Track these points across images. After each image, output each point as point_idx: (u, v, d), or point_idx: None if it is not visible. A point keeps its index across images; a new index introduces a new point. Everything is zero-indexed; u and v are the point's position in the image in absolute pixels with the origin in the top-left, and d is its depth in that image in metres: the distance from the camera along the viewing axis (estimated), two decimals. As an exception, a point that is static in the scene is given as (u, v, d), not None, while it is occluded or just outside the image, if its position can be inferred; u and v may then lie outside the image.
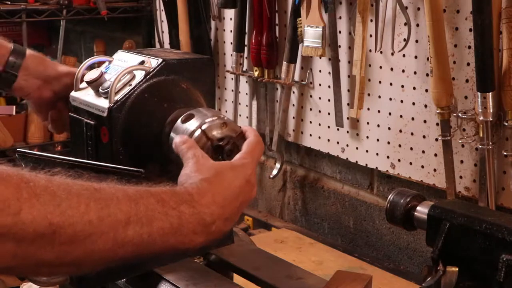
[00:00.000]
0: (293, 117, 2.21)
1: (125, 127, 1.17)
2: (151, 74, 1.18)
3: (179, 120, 1.12)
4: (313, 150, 2.21)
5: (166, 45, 2.66)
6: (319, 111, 2.11)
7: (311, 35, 1.98)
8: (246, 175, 1.00)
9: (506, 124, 1.57)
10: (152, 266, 1.21)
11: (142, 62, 1.22)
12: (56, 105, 1.39)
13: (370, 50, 1.89)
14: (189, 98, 1.22)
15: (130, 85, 1.18)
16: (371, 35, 1.87)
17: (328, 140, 2.10)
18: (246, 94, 2.36)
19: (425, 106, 1.78)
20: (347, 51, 1.98)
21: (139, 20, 2.97)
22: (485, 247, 0.94)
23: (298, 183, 2.31)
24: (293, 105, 2.20)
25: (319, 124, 2.12)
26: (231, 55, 2.32)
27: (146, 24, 2.93)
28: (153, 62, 1.20)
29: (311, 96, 2.14)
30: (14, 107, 3.01)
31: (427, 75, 1.74)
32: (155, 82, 1.19)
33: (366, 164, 1.99)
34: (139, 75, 1.19)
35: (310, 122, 2.16)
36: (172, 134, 1.13)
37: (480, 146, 1.61)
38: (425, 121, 1.79)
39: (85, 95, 1.23)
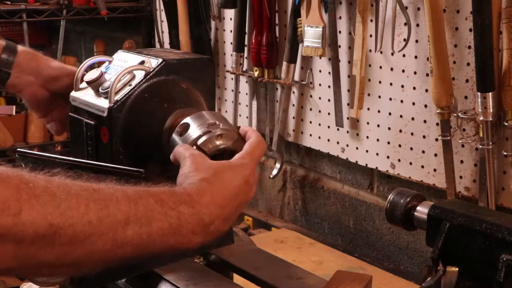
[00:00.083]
0: (293, 117, 2.21)
1: (125, 127, 1.17)
2: (151, 74, 1.18)
3: (175, 132, 1.12)
4: (313, 150, 2.21)
5: (166, 45, 2.66)
6: (319, 111, 2.11)
7: (311, 35, 1.98)
8: (244, 175, 1.00)
9: (506, 124, 1.57)
10: (152, 266, 1.21)
11: (142, 62, 1.22)
12: (54, 103, 1.38)
13: (370, 50, 1.89)
14: (189, 98, 1.22)
15: (130, 85, 1.18)
16: (371, 35, 1.87)
17: (328, 140, 2.10)
18: (246, 94, 2.36)
19: (425, 106, 1.78)
20: (347, 51, 1.98)
21: (139, 20, 2.97)
22: (485, 247, 0.94)
23: (298, 183, 2.31)
24: (293, 105, 2.20)
25: (319, 124, 2.12)
26: (231, 55, 2.32)
27: (146, 24, 2.93)
28: (153, 62, 1.20)
29: (311, 96, 2.14)
30: (14, 107, 3.01)
31: (427, 75, 1.74)
32: (155, 82, 1.19)
33: (366, 164, 1.99)
34: (139, 75, 1.19)
35: (310, 122, 2.16)
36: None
37: (480, 146, 1.61)
38: (425, 121, 1.79)
39: (85, 95, 1.23)
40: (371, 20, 1.85)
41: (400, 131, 1.86)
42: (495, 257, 0.91)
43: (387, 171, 1.93)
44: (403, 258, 1.96)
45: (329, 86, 2.05)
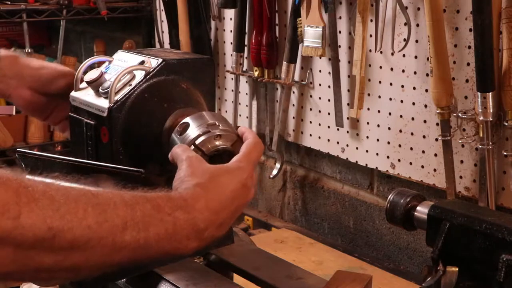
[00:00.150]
0: (293, 117, 2.21)
1: (125, 127, 1.17)
2: (151, 74, 1.18)
3: (174, 132, 1.12)
4: (313, 150, 2.21)
5: (166, 45, 2.66)
6: (319, 111, 2.11)
7: (311, 35, 1.98)
8: (242, 179, 0.99)
9: (506, 124, 1.57)
10: (152, 267, 1.21)
11: (142, 62, 1.22)
12: (51, 105, 1.37)
13: (370, 50, 1.89)
14: (189, 98, 1.22)
15: (130, 85, 1.18)
16: (371, 35, 1.87)
17: (328, 140, 2.10)
18: (246, 94, 2.36)
19: (425, 106, 1.78)
20: (347, 51, 1.98)
21: (139, 20, 2.97)
22: (485, 247, 0.94)
23: (298, 183, 2.31)
24: (293, 105, 2.20)
25: (319, 124, 2.12)
26: (231, 55, 2.32)
27: (146, 24, 2.93)
28: (153, 62, 1.20)
29: (311, 96, 2.14)
30: (14, 107, 3.01)
31: (427, 75, 1.74)
32: (155, 82, 1.19)
33: (366, 164, 1.99)
34: (139, 75, 1.19)
35: (310, 122, 2.16)
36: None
37: (480, 146, 1.61)
38: (425, 121, 1.79)
39: (85, 95, 1.23)
40: (371, 20, 1.85)
41: (400, 131, 1.86)
42: (495, 257, 0.91)
43: (387, 171, 1.93)
44: (403, 258, 1.96)
45: (329, 86, 2.05)
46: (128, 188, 0.91)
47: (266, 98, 2.30)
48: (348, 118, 2.00)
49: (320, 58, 2.05)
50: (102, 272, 0.86)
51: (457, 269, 0.96)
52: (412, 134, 1.83)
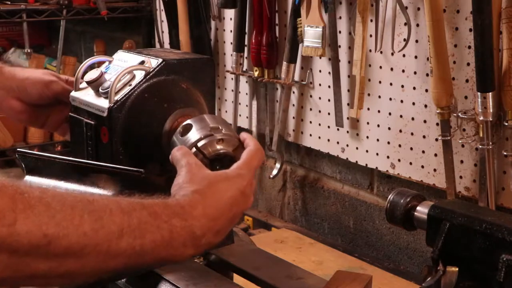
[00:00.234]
0: (293, 117, 2.21)
1: (125, 127, 1.17)
2: (151, 74, 1.18)
3: (176, 133, 1.12)
4: (313, 150, 2.21)
5: (166, 45, 2.66)
6: (319, 111, 2.11)
7: (311, 35, 1.98)
8: (241, 186, 0.99)
9: (506, 124, 1.57)
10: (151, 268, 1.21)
11: (142, 62, 1.22)
12: (45, 111, 1.36)
13: (370, 50, 1.89)
14: (189, 98, 1.22)
15: (130, 85, 1.18)
16: (371, 35, 1.87)
17: (328, 140, 2.10)
18: (246, 94, 2.36)
19: (425, 106, 1.78)
20: (347, 51, 1.98)
21: (139, 20, 2.97)
22: (485, 247, 0.94)
23: (298, 183, 2.31)
24: (293, 105, 2.20)
25: (319, 124, 2.12)
26: (231, 55, 2.32)
27: (146, 24, 2.93)
28: (153, 62, 1.20)
29: (311, 96, 2.14)
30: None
31: (427, 75, 1.74)
32: (155, 82, 1.19)
33: (366, 164, 1.99)
34: (139, 75, 1.19)
35: (310, 122, 2.16)
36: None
37: (480, 146, 1.61)
38: (425, 121, 1.79)
39: (85, 95, 1.23)
40: (371, 20, 1.85)
41: (400, 131, 1.86)
42: (495, 257, 0.91)
43: (387, 171, 1.93)
44: (403, 258, 1.96)
45: (329, 86, 2.05)
46: (126, 194, 0.91)
47: (266, 98, 2.30)
48: (348, 118, 2.00)
49: (320, 58, 2.05)
50: (97, 278, 0.85)
51: (457, 269, 0.96)
52: (412, 134, 1.83)
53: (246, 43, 2.29)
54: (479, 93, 1.56)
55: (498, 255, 0.91)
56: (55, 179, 1.14)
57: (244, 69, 2.33)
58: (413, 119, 1.82)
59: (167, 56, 1.22)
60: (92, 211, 0.82)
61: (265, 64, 2.20)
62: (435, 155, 1.78)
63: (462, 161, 1.72)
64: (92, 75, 1.22)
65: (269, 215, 2.42)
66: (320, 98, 2.10)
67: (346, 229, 2.14)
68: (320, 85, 2.10)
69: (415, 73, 1.79)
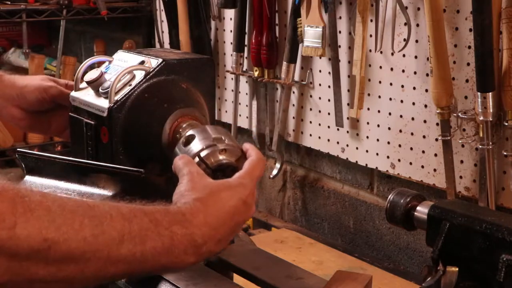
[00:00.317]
0: (293, 117, 2.21)
1: (125, 127, 1.17)
2: (151, 74, 1.18)
3: (179, 142, 1.11)
4: (313, 150, 2.21)
5: (166, 45, 2.66)
6: (319, 111, 2.11)
7: (311, 35, 1.98)
8: (243, 196, 0.99)
9: (506, 124, 1.57)
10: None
11: (142, 62, 1.22)
12: (46, 118, 1.36)
13: (370, 50, 1.89)
14: (189, 98, 1.22)
15: (130, 85, 1.18)
16: (371, 35, 1.87)
17: (328, 140, 2.10)
18: (246, 94, 2.36)
19: (425, 106, 1.78)
20: (347, 51, 1.98)
21: (139, 20, 2.97)
22: (485, 247, 0.94)
23: (298, 183, 2.31)
24: (293, 105, 2.20)
25: (319, 124, 2.12)
26: (231, 55, 2.32)
27: (146, 24, 2.93)
28: (153, 62, 1.20)
29: (311, 96, 2.14)
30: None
31: (427, 75, 1.74)
32: (155, 82, 1.19)
33: (366, 164, 1.99)
34: (139, 75, 1.19)
35: (310, 122, 2.16)
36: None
37: (480, 146, 1.61)
38: (425, 121, 1.79)
39: (85, 95, 1.23)
40: (371, 20, 1.85)
41: (400, 131, 1.86)
42: (495, 257, 0.91)
43: (387, 171, 1.93)
44: (403, 258, 1.96)
45: (329, 86, 2.05)
46: (127, 200, 0.91)
47: (266, 98, 2.30)
48: (348, 118, 2.00)
49: (320, 58, 2.05)
50: (97, 283, 0.85)
51: (457, 269, 0.96)
52: (412, 134, 1.83)
53: (246, 43, 2.29)
54: (479, 93, 1.56)
55: (498, 255, 0.91)
56: (55, 179, 1.15)
57: (244, 69, 2.33)
58: (413, 119, 1.82)
59: (167, 56, 1.22)
60: (92, 217, 0.81)
61: (265, 64, 2.20)
62: (435, 155, 1.78)
63: (462, 161, 1.72)
64: (92, 75, 1.22)
65: (269, 215, 2.42)
66: (320, 98, 2.10)
67: (346, 229, 2.14)
68: (320, 85, 2.10)
69: (415, 73, 1.79)
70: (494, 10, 1.53)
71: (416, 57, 1.78)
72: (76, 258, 0.79)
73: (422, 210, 1.04)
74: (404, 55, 1.81)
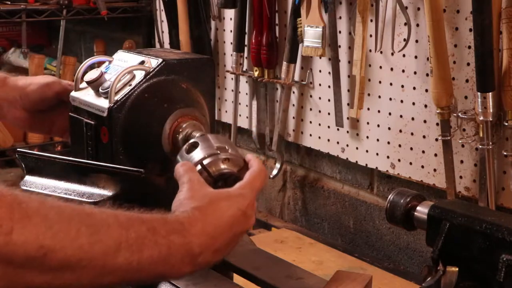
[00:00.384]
0: (293, 117, 2.21)
1: (125, 127, 1.17)
2: (151, 74, 1.18)
3: (182, 150, 1.11)
4: (313, 150, 2.21)
5: (166, 45, 2.66)
6: (319, 111, 2.11)
7: (311, 35, 1.98)
8: (242, 206, 0.97)
9: (506, 124, 1.57)
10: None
11: (142, 62, 1.22)
12: (48, 118, 1.36)
13: (370, 50, 1.89)
14: (189, 98, 1.22)
15: (130, 85, 1.18)
16: (371, 35, 1.87)
17: (328, 140, 2.10)
18: (246, 94, 2.36)
19: (425, 106, 1.78)
20: (347, 51, 1.98)
21: (139, 20, 2.97)
22: (485, 247, 0.94)
23: (298, 183, 2.31)
24: (293, 105, 2.20)
25: (319, 124, 2.12)
26: (231, 55, 2.32)
27: (146, 24, 2.93)
28: (153, 62, 1.20)
29: (311, 96, 2.14)
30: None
31: (427, 75, 1.74)
32: (155, 82, 1.19)
33: (366, 164, 1.99)
34: (139, 75, 1.19)
35: (310, 122, 2.16)
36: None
37: (480, 146, 1.61)
38: (425, 121, 1.79)
39: (85, 95, 1.23)
40: (371, 20, 1.85)
41: (400, 131, 1.86)
42: (495, 257, 0.91)
43: (387, 171, 1.93)
44: (403, 258, 1.96)
45: (329, 86, 2.05)
46: (126, 204, 0.90)
47: (266, 98, 2.30)
48: (348, 118, 2.00)
49: (320, 58, 2.05)
50: None
51: (457, 269, 0.96)
52: (412, 134, 1.83)
53: (246, 43, 2.29)
54: (479, 93, 1.56)
55: (498, 255, 0.91)
56: (55, 179, 1.15)
57: (244, 69, 2.33)
58: (413, 119, 1.82)
59: (167, 56, 1.22)
60: (89, 225, 0.81)
61: (265, 64, 2.20)
62: (435, 155, 1.78)
63: (462, 161, 1.72)
64: (92, 75, 1.22)
65: (269, 215, 2.42)
66: (320, 98, 2.10)
67: (346, 229, 2.14)
68: (320, 85, 2.10)
69: (415, 73, 1.79)
70: (494, 10, 1.53)
71: (416, 57, 1.78)
72: (72, 266, 0.79)
73: (422, 210, 1.04)
74: (404, 55, 1.81)
